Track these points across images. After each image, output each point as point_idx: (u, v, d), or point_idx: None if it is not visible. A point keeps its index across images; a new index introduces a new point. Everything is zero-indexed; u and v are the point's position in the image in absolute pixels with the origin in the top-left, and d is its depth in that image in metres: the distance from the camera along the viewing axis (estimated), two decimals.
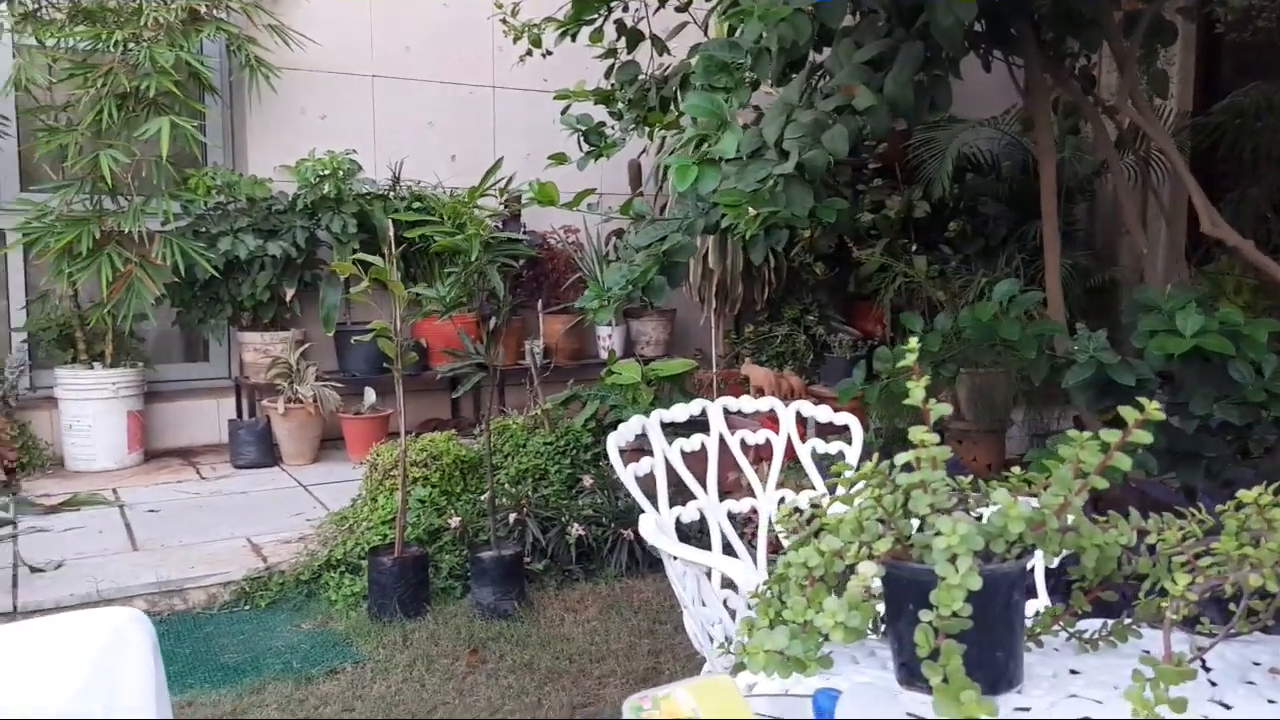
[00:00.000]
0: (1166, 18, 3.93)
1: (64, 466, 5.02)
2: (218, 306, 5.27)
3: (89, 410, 4.93)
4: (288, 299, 5.32)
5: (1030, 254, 5.58)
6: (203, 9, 5.08)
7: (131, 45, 4.78)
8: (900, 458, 1.19)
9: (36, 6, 4.84)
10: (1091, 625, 1.33)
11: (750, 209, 2.89)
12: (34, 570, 3.51)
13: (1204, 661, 1.26)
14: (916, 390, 1.20)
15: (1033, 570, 2.00)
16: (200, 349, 5.75)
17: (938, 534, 1.10)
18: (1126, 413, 1.13)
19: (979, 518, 1.22)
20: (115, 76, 4.71)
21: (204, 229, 5.11)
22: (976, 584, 1.05)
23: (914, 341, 1.24)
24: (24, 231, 4.78)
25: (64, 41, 4.82)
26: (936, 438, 1.17)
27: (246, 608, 3.47)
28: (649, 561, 3.82)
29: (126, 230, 4.78)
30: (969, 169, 6.31)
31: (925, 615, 1.07)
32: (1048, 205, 3.80)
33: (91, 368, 4.98)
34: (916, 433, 1.17)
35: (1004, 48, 3.76)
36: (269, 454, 5.11)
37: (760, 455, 2.73)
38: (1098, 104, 4.23)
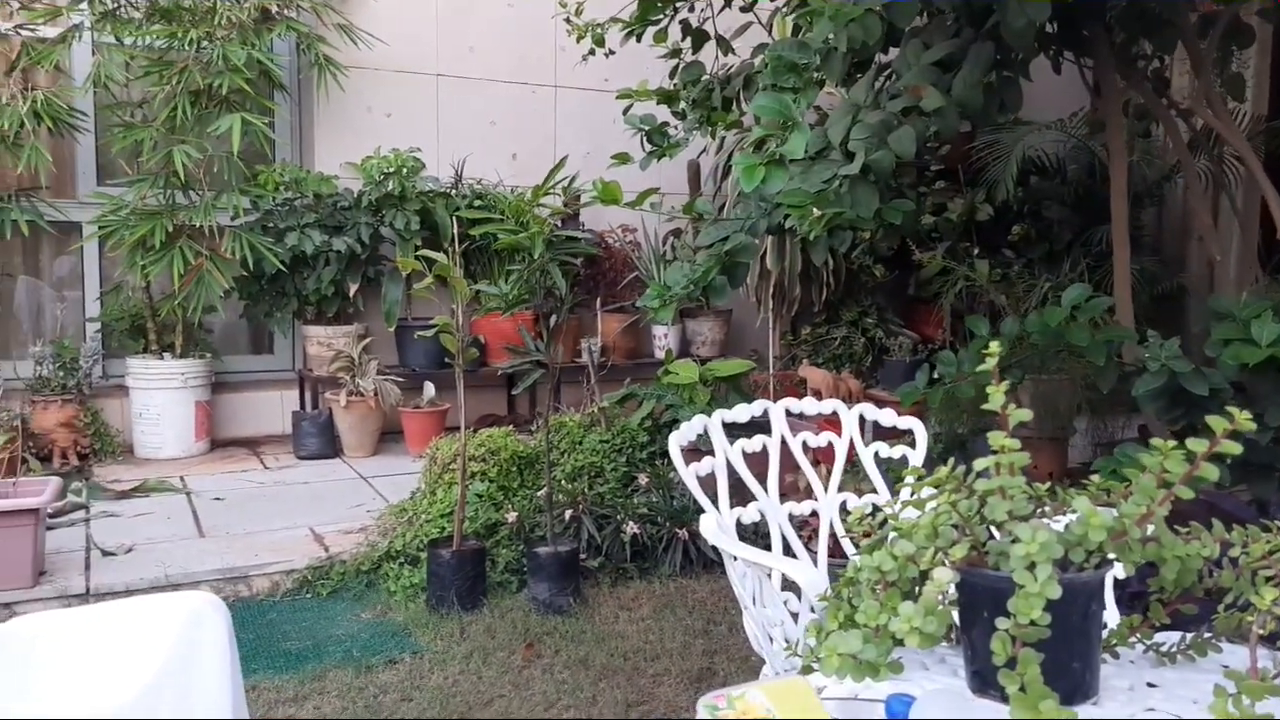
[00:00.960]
0: (1244, 20, 3.83)
1: (133, 454, 5.15)
2: (283, 300, 5.37)
3: (158, 399, 5.05)
4: (351, 294, 5.41)
5: (1095, 259, 5.47)
6: (274, 8, 5.19)
7: (205, 43, 4.89)
8: (978, 463, 1.18)
9: (116, 5, 4.97)
10: (1169, 638, 1.31)
11: (814, 210, 2.88)
12: (105, 554, 3.61)
13: None
14: (997, 395, 1.19)
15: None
16: (265, 341, 5.87)
17: (1015, 541, 1.09)
18: (1215, 422, 1.11)
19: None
20: (189, 74, 4.82)
21: (272, 224, 5.22)
22: (1056, 592, 1.04)
23: (994, 345, 1.23)
24: (100, 225, 4.92)
25: (141, 40, 4.95)
26: (1017, 443, 1.16)
27: (308, 596, 3.53)
28: (703, 561, 3.82)
29: (198, 224, 4.90)
30: (1033, 172, 6.20)
31: (1002, 623, 1.06)
32: (1118, 209, 3.73)
33: (162, 358, 5.10)
34: (996, 438, 1.16)
35: (1075, 49, 3.70)
36: (330, 445, 5.20)
37: (818, 458, 2.72)
38: (1171, 107, 4.14)
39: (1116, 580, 2.05)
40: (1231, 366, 2.88)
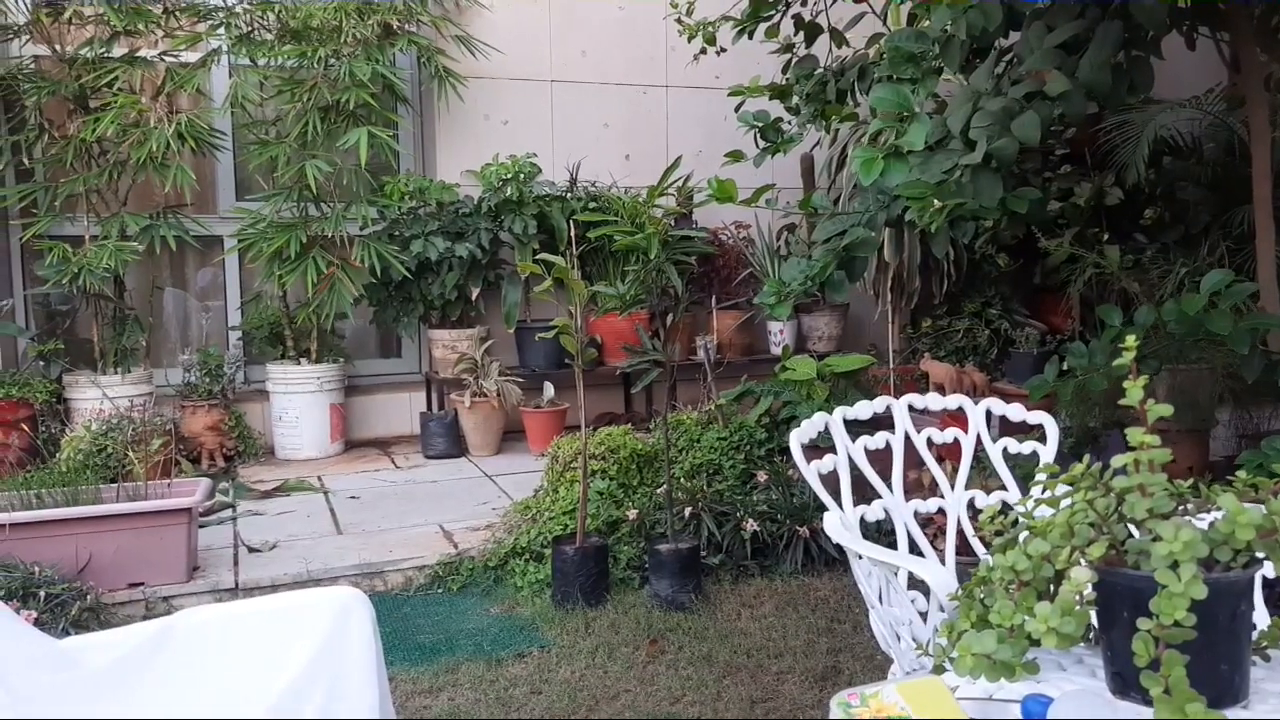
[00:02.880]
0: None
1: (274, 455, 5.42)
2: (410, 305, 5.56)
3: (296, 403, 5.30)
4: (473, 298, 5.56)
5: (1236, 242, 5.19)
6: (395, 23, 5.38)
7: (333, 61, 5.10)
8: (1116, 460, 1.15)
9: (250, 29, 5.24)
10: None
11: (935, 201, 2.83)
12: (251, 550, 3.81)
13: None
14: (1134, 390, 1.16)
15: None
16: (394, 345, 6.09)
17: (1157, 539, 1.06)
18: None
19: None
20: (318, 91, 5.04)
21: (398, 232, 5.41)
22: (1201, 593, 1.01)
23: (1131, 339, 1.20)
24: (239, 238, 5.19)
25: (273, 60, 5.20)
26: (1157, 439, 1.13)
27: (439, 591, 3.65)
28: (825, 559, 3.79)
29: (329, 235, 5.12)
30: (1166, 152, 5.91)
31: (1144, 624, 1.03)
32: (1261, 190, 3.55)
33: (298, 363, 5.35)
34: (1135, 434, 1.13)
35: (1211, 23, 3.53)
36: (456, 445, 5.36)
37: (941, 454, 2.67)
38: None
39: (1266, 580, 1.96)
40: None
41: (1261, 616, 1.85)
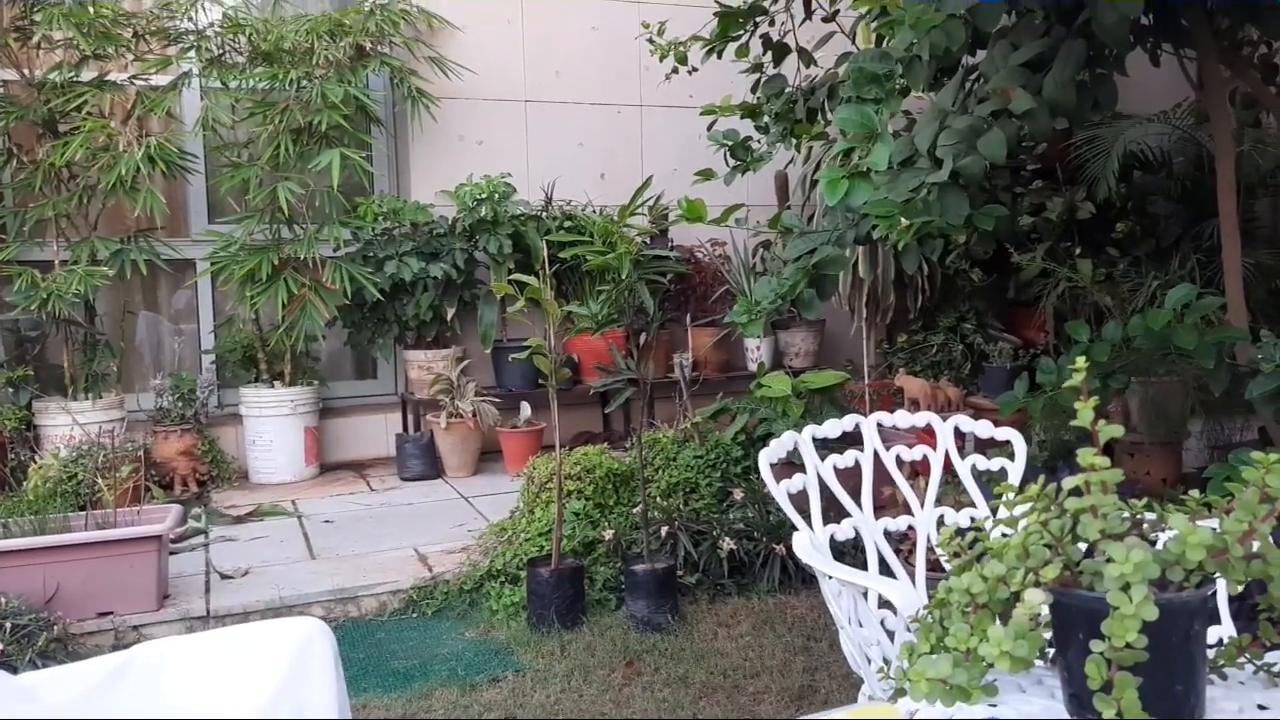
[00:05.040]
0: None
1: (248, 479, 5.37)
2: (385, 326, 5.54)
3: (270, 426, 5.26)
4: (449, 318, 5.55)
5: (1206, 255, 5.24)
6: (368, 45, 5.38)
7: (305, 83, 5.10)
8: (1068, 481, 1.15)
9: (221, 52, 5.23)
10: None
11: (903, 219, 2.84)
12: (224, 577, 3.77)
13: None
14: (1085, 411, 1.16)
15: (1215, 595, 1.89)
16: (369, 367, 6.06)
17: (1109, 561, 1.06)
18: None
19: (1153, 544, 1.17)
20: (290, 113, 5.03)
21: (371, 253, 5.39)
22: (1152, 614, 1.01)
23: (1081, 360, 1.20)
24: (212, 261, 5.16)
25: (245, 83, 5.19)
26: (1107, 460, 1.13)
27: (414, 615, 3.62)
28: (802, 577, 3.78)
29: (301, 257, 5.10)
30: (1137, 166, 5.98)
31: (1097, 646, 1.03)
32: (1226, 204, 3.58)
33: (272, 386, 5.32)
34: (1086, 455, 1.13)
35: (1174, 40, 3.57)
36: (433, 466, 5.33)
37: (916, 470, 2.67)
38: None
39: (1233, 595, 1.97)
40: None
41: (1229, 631, 1.85)
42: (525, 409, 5.42)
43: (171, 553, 3.88)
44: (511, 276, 3.55)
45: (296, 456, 5.31)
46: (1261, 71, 3.86)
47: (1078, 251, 5.50)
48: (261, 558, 4.00)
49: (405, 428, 5.68)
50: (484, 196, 5.45)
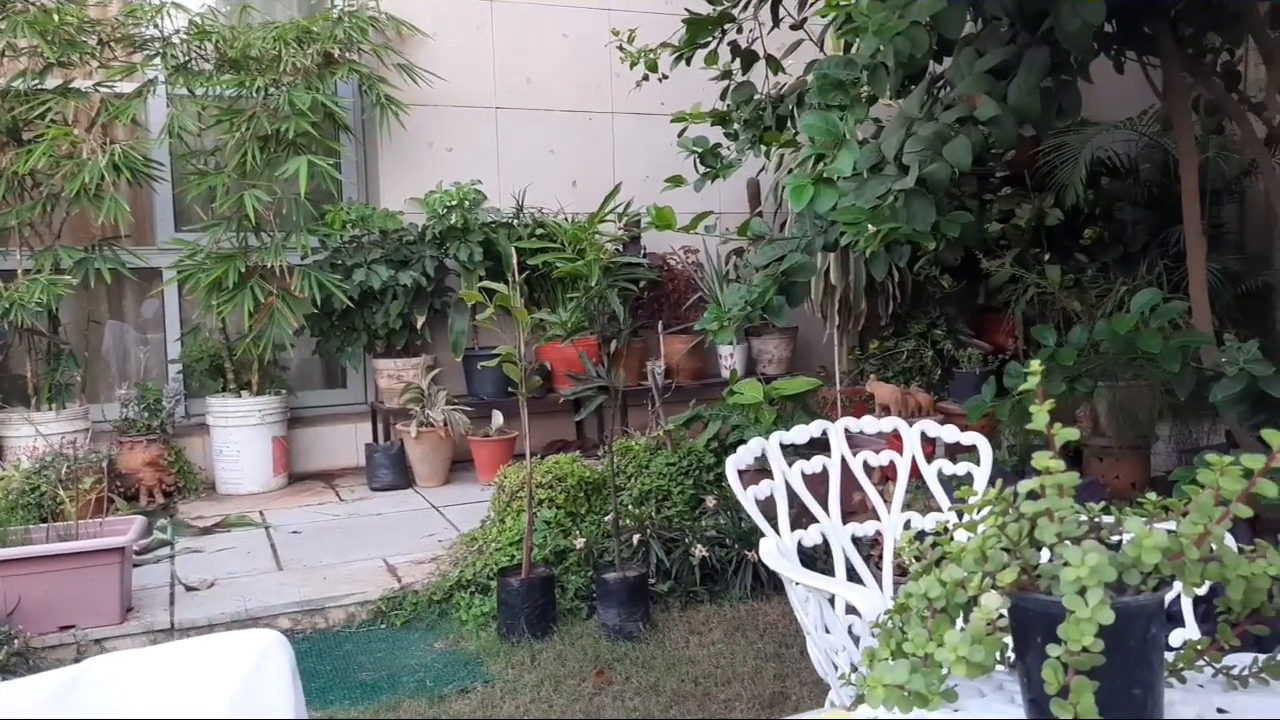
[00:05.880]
0: None
1: (215, 490, 5.30)
2: (354, 335, 5.49)
3: (237, 436, 5.20)
4: (418, 326, 5.51)
5: (1173, 260, 5.29)
6: (336, 52, 5.34)
7: (272, 90, 5.05)
8: (1024, 485, 1.15)
9: (187, 58, 5.17)
10: (1240, 660, 1.25)
11: (870, 226, 2.85)
12: (189, 589, 3.71)
13: None
14: (1040, 415, 1.16)
15: (1179, 598, 1.89)
16: (339, 376, 6.00)
17: (1066, 565, 1.05)
18: (1270, 436, 1.06)
19: (1115, 546, 1.17)
20: (257, 120, 4.98)
21: (340, 261, 5.35)
22: (1108, 618, 1.01)
23: (1035, 363, 1.19)
24: (178, 269, 5.10)
25: (211, 90, 5.14)
26: (1063, 464, 1.13)
27: (383, 626, 3.58)
28: (774, 583, 3.77)
29: (269, 265, 5.05)
30: (1104, 173, 6.04)
31: (1054, 650, 1.03)
32: (1190, 209, 3.62)
33: (239, 396, 5.26)
34: (1041, 459, 1.13)
35: (1137, 47, 3.60)
36: (403, 476, 5.28)
37: (886, 475, 2.67)
38: (1243, 101, 4.00)
39: (1198, 597, 1.97)
40: None
41: (1193, 633, 1.86)
42: (497, 417, 5.39)
43: (136, 565, 3.83)
44: (481, 284, 3.53)
45: (264, 467, 5.25)
46: (1224, 79, 3.90)
47: (1046, 257, 5.55)
48: (228, 569, 3.95)
49: (375, 437, 5.63)
50: (454, 204, 5.42)
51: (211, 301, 5.00)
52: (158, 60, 5.11)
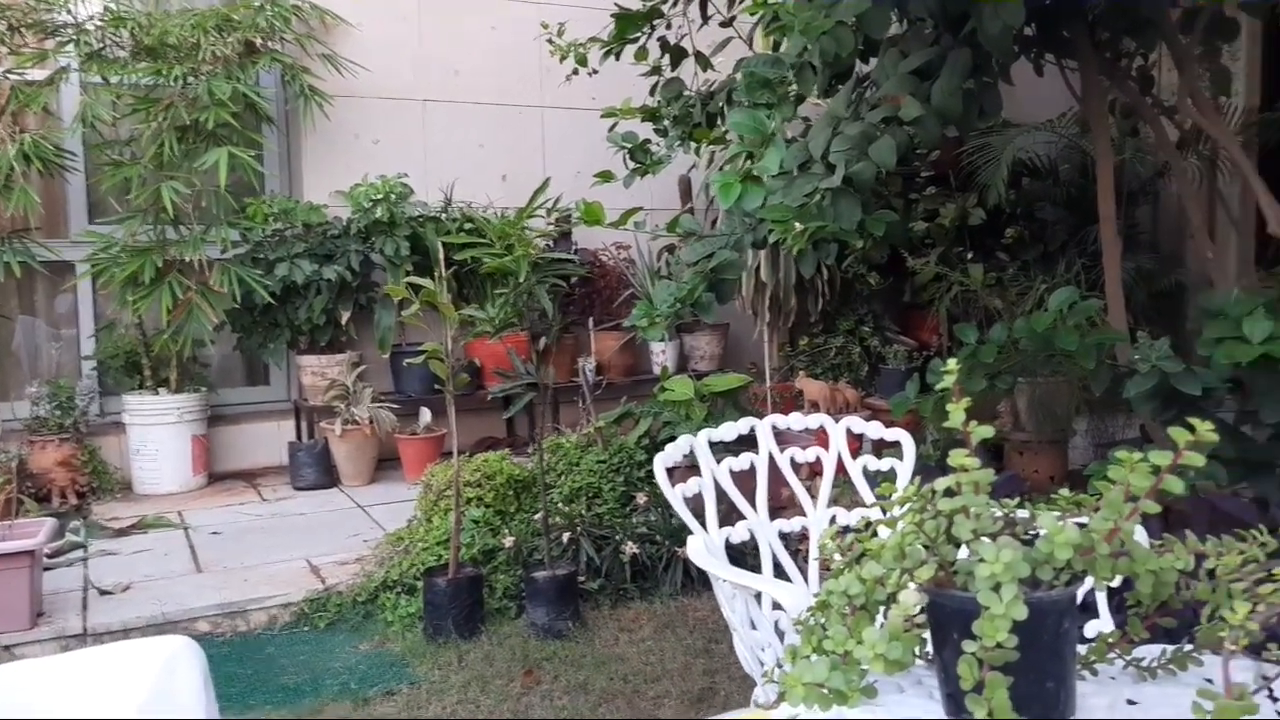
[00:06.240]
0: (1227, 14, 3.81)
1: (132, 490, 5.14)
2: (276, 331, 5.37)
3: (155, 435, 5.05)
4: (344, 322, 5.41)
5: (1091, 259, 5.44)
6: (258, 41, 5.21)
7: (190, 79, 4.91)
8: (940, 482, 1.16)
9: (102, 46, 5.00)
10: (1150, 652, 1.28)
11: (797, 224, 2.86)
12: (102, 593, 3.60)
13: (1271, 690, 1.21)
14: (957, 413, 1.17)
15: (1093, 590, 1.94)
16: (261, 373, 5.86)
17: (981, 561, 1.07)
18: (1177, 434, 1.09)
19: (1031, 541, 1.18)
20: (175, 110, 4.84)
21: (262, 255, 5.22)
22: (1021, 614, 1.02)
23: (953, 362, 1.21)
24: (92, 263, 4.93)
25: (127, 78, 4.97)
26: (977, 461, 1.14)
27: (306, 629, 3.51)
28: (704, 579, 3.78)
29: (187, 259, 4.91)
30: (1025, 174, 6.18)
31: (969, 646, 1.04)
32: (1105, 210, 3.71)
33: (157, 393, 5.10)
34: (957, 456, 1.14)
35: (1057, 51, 3.68)
36: (327, 475, 5.18)
37: (815, 471, 2.69)
38: (1156, 105, 4.12)
39: (1112, 590, 2.02)
40: (1225, 365, 2.85)
41: (1107, 626, 1.90)
42: (425, 415, 5.31)
43: (47, 568, 3.70)
44: (408, 279, 3.47)
45: (183, 466, 5.11)
46: (1139, 83, 4.01)
47: (970, 256, 5.65)
48: (144, 572, 3.83)
49: (299, 435, 5.51)
50: (380, 197, 5.33)
51: (127, 296, 4.84)
52: (71, 47, 4.93)
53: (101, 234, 5.06)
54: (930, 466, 3.69)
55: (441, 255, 3.55)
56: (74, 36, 4.92)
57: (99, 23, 4.98)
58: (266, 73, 5.36)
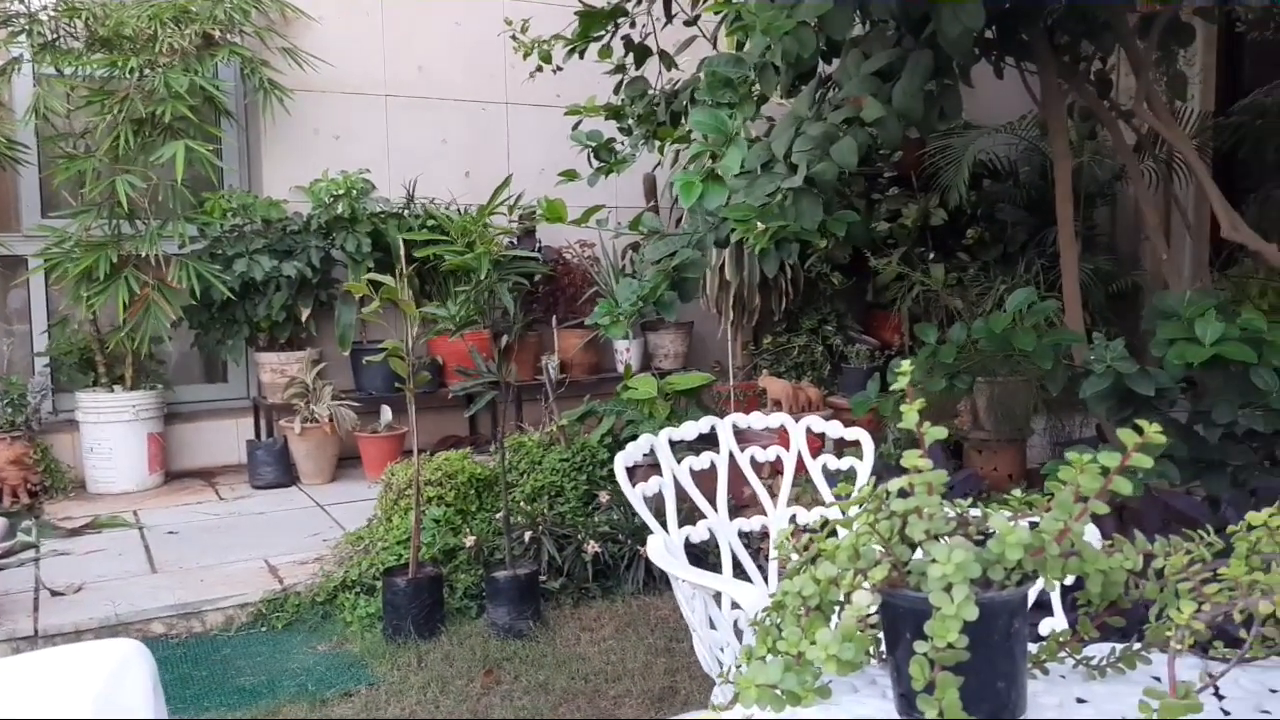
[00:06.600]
0: (1183, 19, 3.87)
1: (85, 489, 5.05)
2: (235, 328, 5.30)
3: (109, 433, 4.96)
4: (303, 319, 5.35)
5: (1050, 260, 5.51)
6: (217, 34, 5.13)
7: (147, 71, 4.83)
8: (893, 483, 1.16)
9: (55, 36, 4.90)
10: (1100, 651, 1.29)
11: (759, 223, 2.87)
12: (54, 594, 3.53)
13: (1217, 689, 1.22)
14: (910, 414, 1.17)
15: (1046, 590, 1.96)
16: (219, 370, 5.79)
17: (933, 561, 1.07)
18: (1125, 435, 1.10)
19: (983, 541, 1.19)
20: (131, 103, 4.75)
21: (220, 251, 5.15)
22: (972, 614, 1.02)
23: (906, 364, 1.21)
24: (45, 257, 4.83)
25: (81, 70, 4.88)
26: (930, 462, 1.15)
27: (263, 629, 3.47)
28: (667, 578, 3.75)
29: (143, 254, 4.83)
30: (986, 175, 6.25)
31: (920, 646, 1.04)
32: (1063, 212, 3.76)
33: (112, 391, 5.02)
34: (910, 457, 1.15)
35: (1016, 54, 3.72)
36: (287, 474, 5.12)
37: (777, 470, 2.70)
38: (1114, 109, 4.18)
39: (1067, 587, 2.04)
40: (1177, 366, 2.89)
41: (1060, 624, 1.92)
42: (386, 413, 5.27)
43: None
44: (369, 276, 3.43)
45: (139, 465, 5.02)
46: (1097, 86, 4.06)
47: (931, 256, 5.71)
48: (97, 572, 3.77)
49: (258, 433, 5.44)
50: (341, 193, 5.27)
51: (81, 292, 4.75)
52: (23, 37, 4.84)
53: (55, 228, 4.96)
54: (891, 465, 3.71)
55: (403, 252, 3.52)
56: (26, 27, 4.83)
57: (53, 13, 4.89)
58: (225, 66, 5.28)
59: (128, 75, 4.80)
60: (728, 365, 5.80)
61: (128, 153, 4.77)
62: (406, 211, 5.59)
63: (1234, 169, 6.00)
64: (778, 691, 1.08)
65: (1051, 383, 3.07)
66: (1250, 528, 1.17)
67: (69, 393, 5.18)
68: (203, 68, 4.96)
